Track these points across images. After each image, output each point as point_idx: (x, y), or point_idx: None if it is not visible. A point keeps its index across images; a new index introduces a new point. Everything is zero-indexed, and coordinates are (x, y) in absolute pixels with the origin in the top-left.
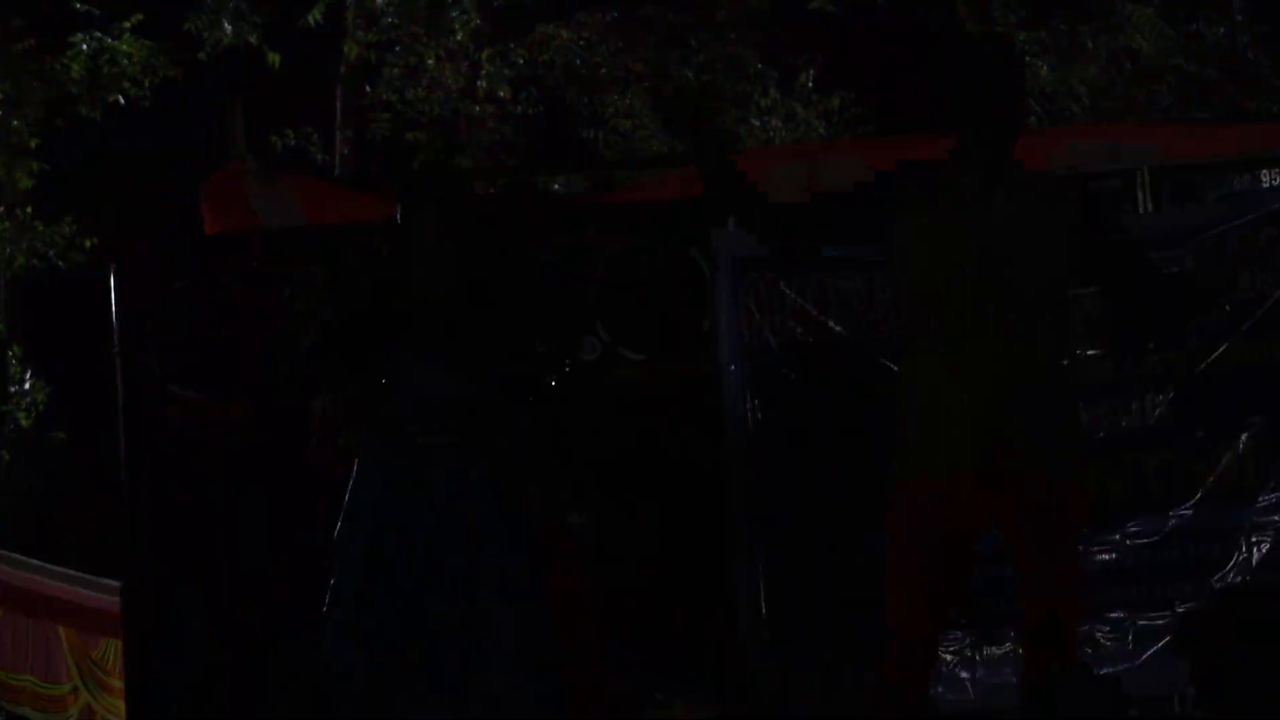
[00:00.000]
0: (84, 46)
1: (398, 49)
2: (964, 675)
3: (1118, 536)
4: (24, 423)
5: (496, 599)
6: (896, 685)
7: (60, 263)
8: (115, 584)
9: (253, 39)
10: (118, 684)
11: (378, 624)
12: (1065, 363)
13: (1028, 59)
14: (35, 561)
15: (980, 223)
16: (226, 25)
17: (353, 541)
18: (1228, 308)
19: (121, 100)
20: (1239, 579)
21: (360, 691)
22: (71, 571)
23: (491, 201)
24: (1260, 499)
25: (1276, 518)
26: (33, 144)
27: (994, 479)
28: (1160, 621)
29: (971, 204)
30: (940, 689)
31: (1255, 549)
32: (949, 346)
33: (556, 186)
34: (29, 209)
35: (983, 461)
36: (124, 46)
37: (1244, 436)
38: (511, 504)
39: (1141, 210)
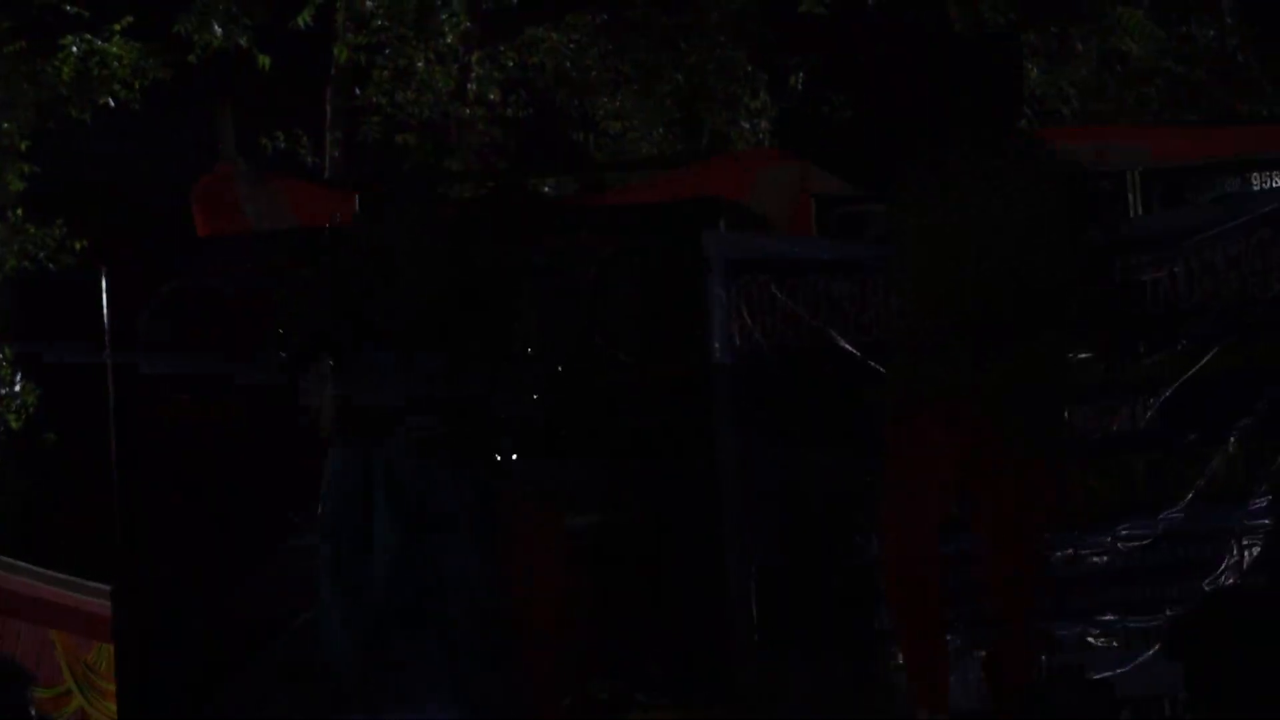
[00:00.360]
0: (74, 49)
1: (387, 51)
2: (953, 677)
3: (1108, 539)
4: (14, 425)
5: (494, 599)
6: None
7: (51, 265)
8: (107, 588)
9: (243, 41)
10: (111, 688)
11: (369, 623)
12: (1062, 360)
13: None
14: (27, 565)
15: (979, 222)
16: (216, 27)
17: (335, 542)
18: (1219, 311)
19: (112, 102)
20: (1230, 582)
21: (355, 690)
22: (64, 575)
23: (481, 203)
24: (1251, 502)
25: (1267, 521)
26: (23, 146)
27: (978, 467)
28: (1152, 624)
29: (970, 203)
30: None
31: (1246, 552)
32: (947, 344)
33: (547, 189)
34: (20, 211)
35: (971, 453)
36: (114, 49)
37: (1234, 439)
38: (502, 504)
39: (1132, 213)
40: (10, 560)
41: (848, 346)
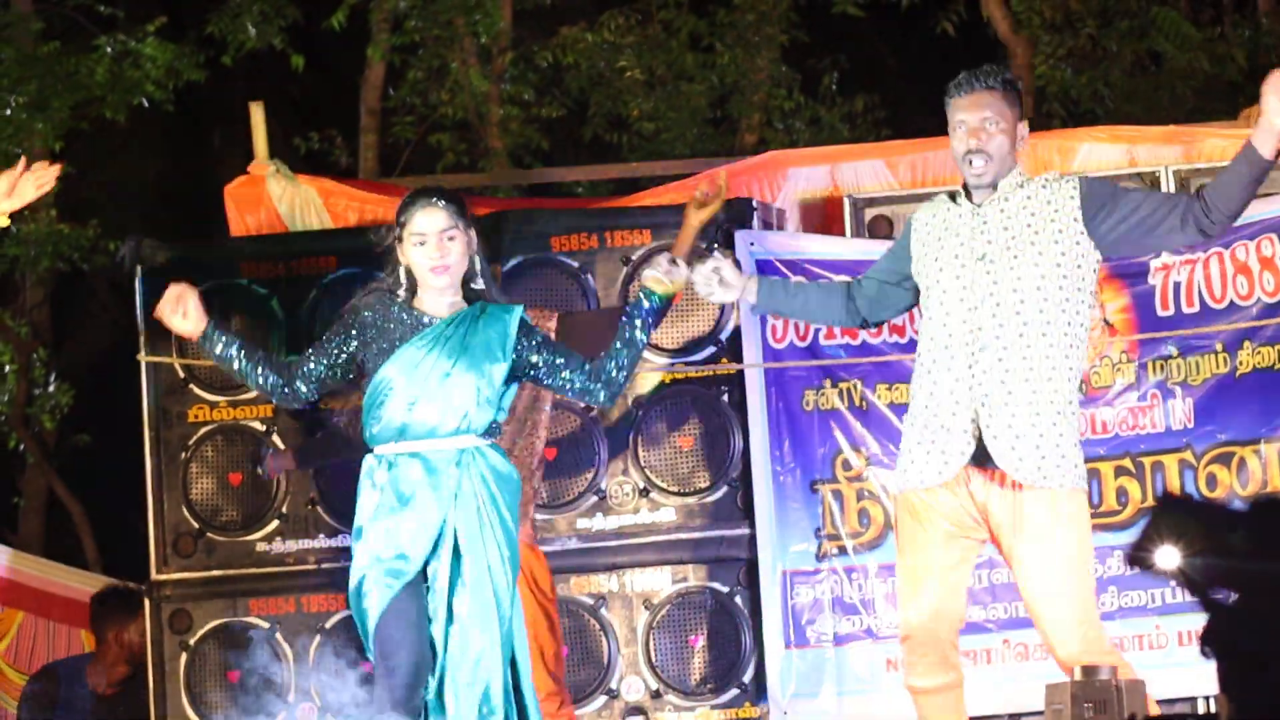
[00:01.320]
0: (108, 49)
1: (421, 52)
2: (983, 678)
3: (1140, 538)
4: (48, 425)
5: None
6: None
7: (85, 265)
8: (139, 587)
9: (276, 42)
10: None
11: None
12: (1068, 374)
13: (1051, 62)
14: (58, 564)
15: (979, 234)
16: (250, 28)
17: (366, 547)
18: (1253, 310)
19: (145, 103)
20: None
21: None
22: (95, 574)
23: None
24: None
25: None
26: (57, 147)
27: (989, 488)
28: (1185, 623)
29: (972, 215)
30: None
31: None
32: (949, 358)
33: (580, 190)
34: (53, 212)
35: (978, 470)
36: (147, 49)
37: (1266, 439)
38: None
39: None
40: (40, 559)
41: (880, 347)
